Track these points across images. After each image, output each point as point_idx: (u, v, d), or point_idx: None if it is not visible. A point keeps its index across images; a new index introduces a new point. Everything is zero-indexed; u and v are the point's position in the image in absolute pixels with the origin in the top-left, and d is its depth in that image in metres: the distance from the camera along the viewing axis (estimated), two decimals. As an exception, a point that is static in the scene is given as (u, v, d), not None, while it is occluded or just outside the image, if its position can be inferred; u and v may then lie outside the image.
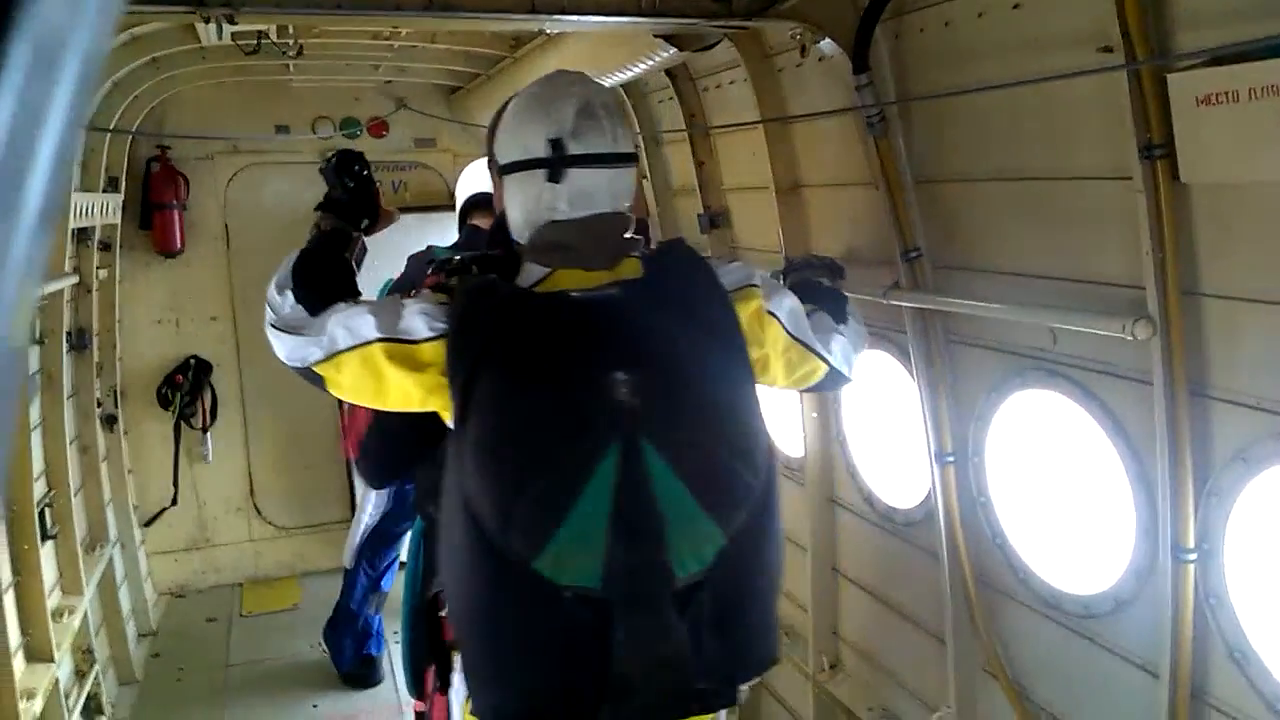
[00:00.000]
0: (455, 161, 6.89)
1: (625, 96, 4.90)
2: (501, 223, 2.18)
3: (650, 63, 3.85)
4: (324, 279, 2.29)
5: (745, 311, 2.06)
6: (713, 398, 1.92)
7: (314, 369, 2.07)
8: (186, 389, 6.63)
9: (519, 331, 1.88)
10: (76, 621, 4.52)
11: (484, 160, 4.11)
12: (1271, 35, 1.77)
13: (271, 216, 6.43)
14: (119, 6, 0.42)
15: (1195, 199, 2.12)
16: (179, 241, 6.47)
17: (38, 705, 3.81)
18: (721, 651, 1.86)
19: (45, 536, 4.35)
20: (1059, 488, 2.92)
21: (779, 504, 1.96)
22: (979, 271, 2.89)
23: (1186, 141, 2.03)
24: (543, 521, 1.76)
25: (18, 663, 3.81)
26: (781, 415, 4.19)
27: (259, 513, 7.01)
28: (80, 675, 4.72)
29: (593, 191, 2.02)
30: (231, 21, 2.78)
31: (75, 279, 5.00)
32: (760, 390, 2.05)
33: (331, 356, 2.02)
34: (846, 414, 3.83)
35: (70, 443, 4.90)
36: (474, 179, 4.00)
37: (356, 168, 2.53)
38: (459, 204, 4.04)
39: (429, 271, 2.13)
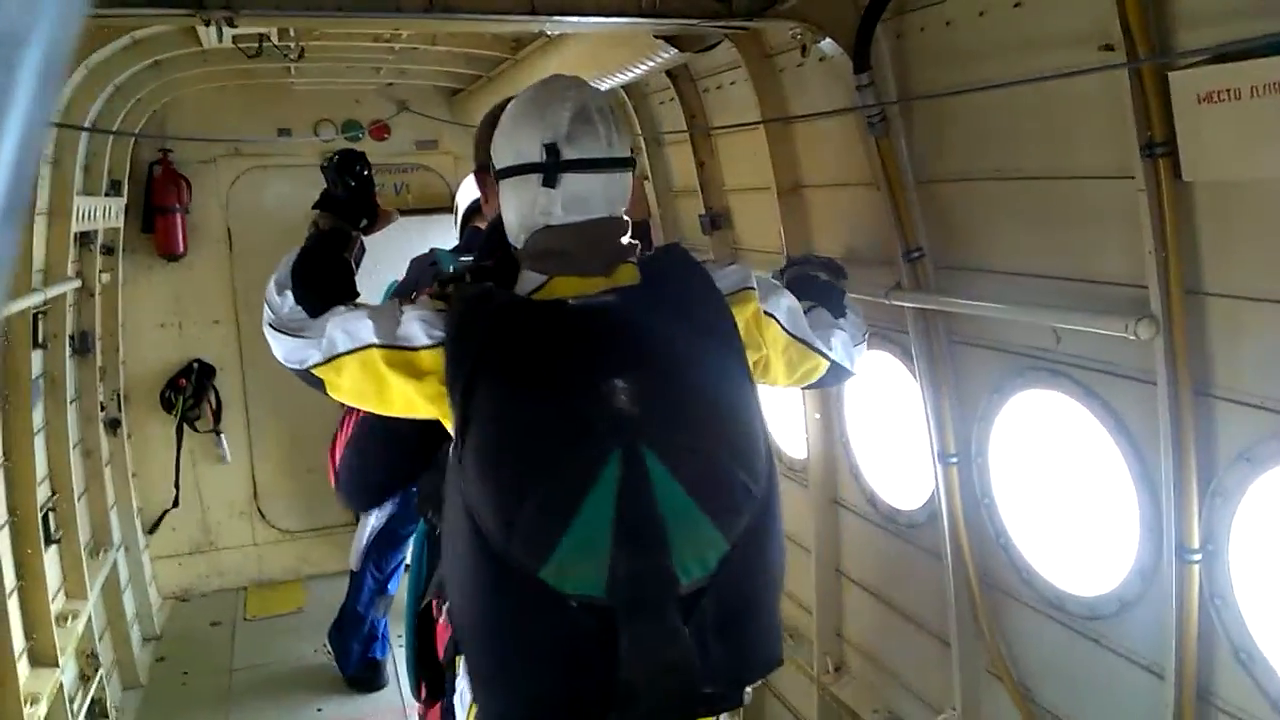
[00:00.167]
0: (457, 164, 6.90)
1: (626, 97, 4.90)
2: (495, 228, 2.18)
3: (651, 64, 3.84)
4: (324, 279, 2.29)
5: (743, 315, 2.06)
6: (713, 403, 1.92)
7: (313, 371, 2.07)
8: (189, 392, 6.64)
9: (517, 340, 1.88)
10: (80, 626, 4.52)
11: None
12: (1273, 32, 1.76)
13: (274, 219, 6.43)
14: (82, 6, 0.41)
15: (1198, 197, 2.11)
16: (181, 245, 6.48)
17: (42, 710, 3.81)
18: (726, 655, 1.86)
19: (49, 541, 4.35)
20: (1062, 488, 2.91)
21: (780, 507, 1.97)
22: (981, 271, 2.88)
23: (1188, 140, 2.02)
24: (546, 531, 1.76)
25: (22, 667, 3.81)
26: (784, 417, 4.18)
27: (263, 516, 7.02)
28: (84, 680, 4.72)
29: (587, 196, 2.01)
30: (232, 24, 2.78)
31: (78, 283, 5.00)
32: (761, 393, 2.05)
33: (331, 359, 2.02)
34: (849, 415, 3.82)
35: (73, 447, 4.90)
36: (473, 186, 4.01)
37: (358, 167, 2.54)
38: (460, 208, 4.04)
39: (429, 286, 2.12)
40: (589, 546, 1.76)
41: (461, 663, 2.22)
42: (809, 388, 2.69)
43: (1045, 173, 2.55)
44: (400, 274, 3.75)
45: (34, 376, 4.31)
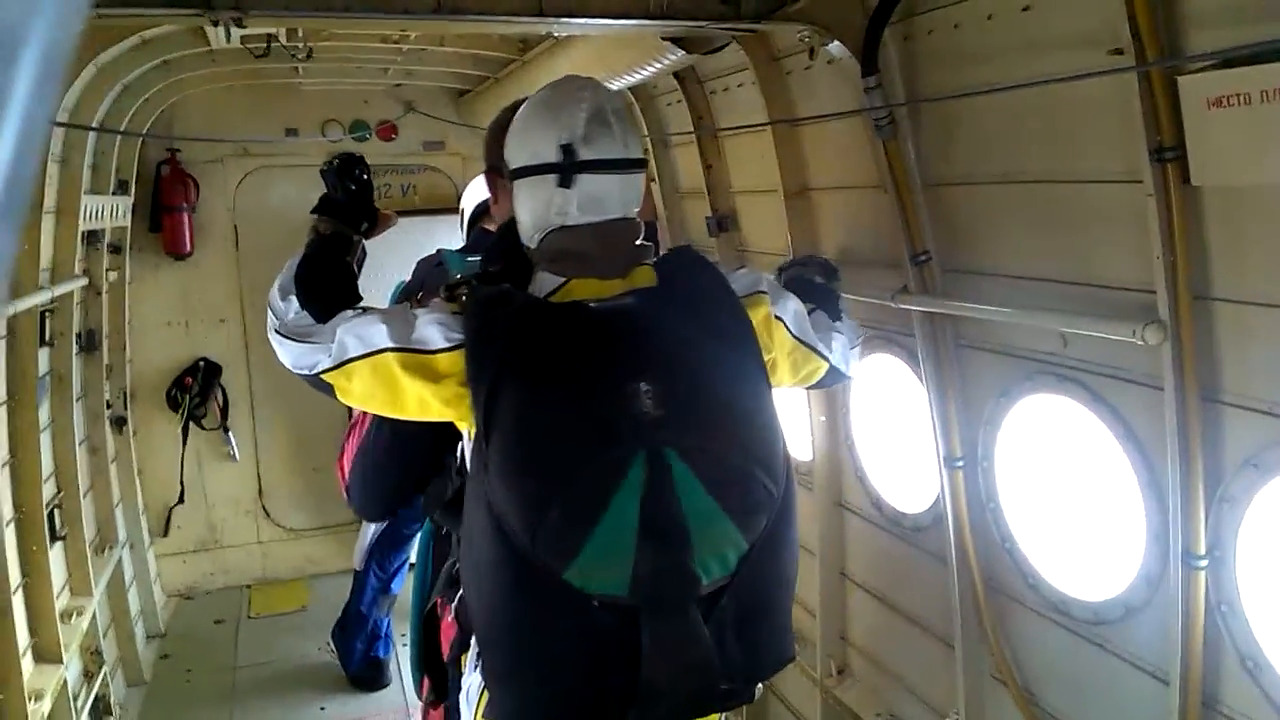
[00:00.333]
0: (464, 165, 6.91)
1: (633, 99, 4.90)
2: (508, 229, 2.18)
3: (658, 65, 3.84)
4: (327, 284, 2.29)
5: (756, 317, 2.08)
6: (733, 405, 1.93)
7: (322, 377, 2.07)
8: (196, 391, 6.66)
9: (540, 343, 1.88)
10: (85, 623, 4.53)
11: None
12: (1284, 37, 1.75)
13: (281, 219, 6.44)
14: (84, 3, 0.41)
15: (1206, 202, 2.10)
16: (188, 244, 6.50)
17: (46, 706, 3.82)
18: (743, 653, 1.89)
19: (54, 538, 4.36)
20: (1068, 493, 2.90)
21: (796, 508, 1.99)
22: (988, 275, 2.87)
23: (1197, 144, 2.01)
24: (572, 533, 1.78)
25: (26, 663, 3.82)
26: (790, 419, 4.17)
27: (268, 515, 7.03)
28: (88, 676, 4.72)
29: (603, 197, 2.02)
30: (240, 25, 2.78)
31: (85, 281, 5.01)
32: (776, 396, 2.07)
33: (341, 365, 2.02)
34: (855, 418, 3.82)
35: (79, 444, 4.91)
36: (482, 188, 4.02)
37: (357, 171, 2.53)
38: (468, 210, 4.05)
39: (435, 287, 2.12)
40: (613, 548, 1.78)
41: (467, 662, 2.22)
42: (806, 388, 2.71)
43: (1053, 176, 2.54)
44: (408, 275, 3.76)
45: (40, 374, 4.32)
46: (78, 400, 4.95)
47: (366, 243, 2.57)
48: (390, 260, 4.23)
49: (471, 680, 2.15)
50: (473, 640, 2.14)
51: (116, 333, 5.85)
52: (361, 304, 2.23)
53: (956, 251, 3.00)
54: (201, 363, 6.72)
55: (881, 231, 3.22)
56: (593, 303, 1.94)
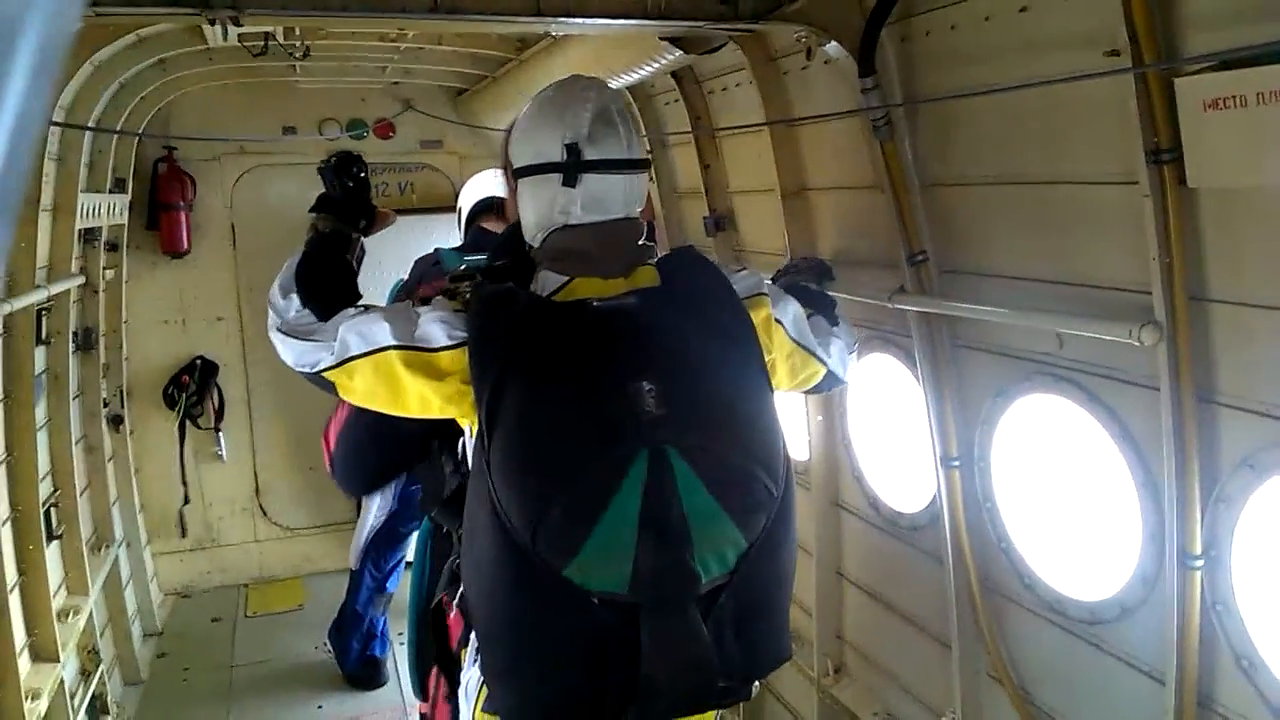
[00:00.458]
0: (462, 163, 6.90)
1: (631, 99, 4.89)
2: (516, 229, 2.18)
3: (656, 65, 3.84)
4: (329, 282, 2.29)
5: (756, 318, 2.09)
6: (735, 405, 1.95)
7: (324, 375, 2.08)
8: (192, 389, 6.65)
9: (544, 341, 1.89)
10: (82, 621, 4.53)
11: (489, 170, 4.12)
12: (1280, 39, 1.75)
13: (278, 217, 6.44)
14: (79, 1, 0.41)
15: (1203, 204, 2.11)
16: (185, 242, 6.49)
17: (43, 705, 3.82)
18: (740, 652, 1.91)
19: (51, 536, 4.36)
20: (1064, 493, 2.91)
21: (794, 508, 2.01)
22: (984, 275, 2.88)
23: (1194, 146, 2.02)
24: (573, 531, 1.79)
25: (23, 662, 3.82)
26: (786, 419, 4.17)
27: (264, 513, 7.03)
28: (85, 675, 4.72)
29: (606, 197, 2.03)
30: (237, 23, 2.78)
31: (81, 279, 5.00)
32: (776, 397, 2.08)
33: (344, 362, 2.03)
34: (852, 418, 3.82)
35: (76, 443, 4.91)
36: (479, 186, 4.02)
37: (354, 169, 2.54)
38: (465, 209, 4.05)
39: (447, 281, 2.12)
40: (614, 545, 1.79)
41: (467, 657, 2.23)
42: (802, 393, 2.72)
43: (1050, 177, 2.55)
44: (405, 274, 3.76)
45: (37, 373, 4.32)
46: (74, 399, 4.94)
47: (364, 241, 2.58)
48: (388, 259, 4.23)
49: (470, 675, 2.16)
50: (472, 636, 2.15)
51: (113, 331, 5.84)
52: (362, 302, 2.24)
53: (953, 252, 3.01)
54: (198, 361, 6.71)
55: (878, 232, 3.23)
56: (595, 302, 1.95)
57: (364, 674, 5.52)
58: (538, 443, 1.84)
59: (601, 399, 1.85)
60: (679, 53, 3.62)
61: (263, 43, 4.72)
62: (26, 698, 3.70)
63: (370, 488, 3.02)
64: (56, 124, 4.18)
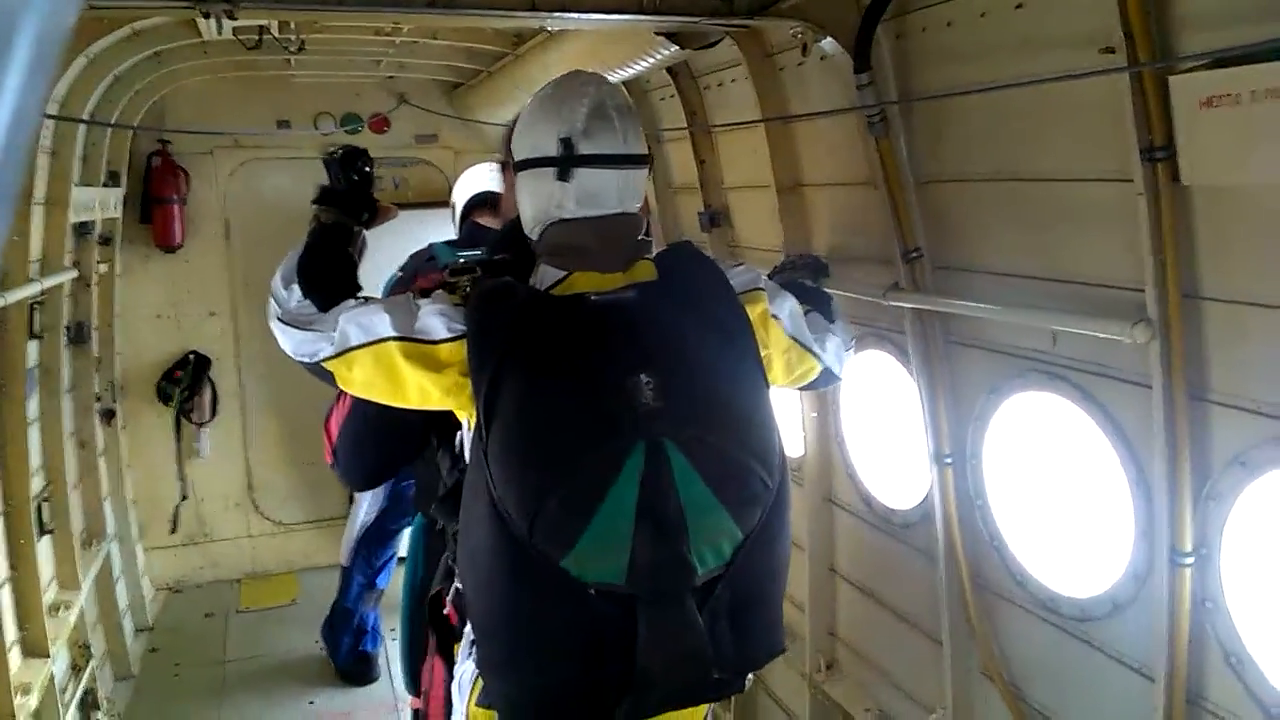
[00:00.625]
0: (456, 158, 6.89)
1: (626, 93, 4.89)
2: (517, 223, 2.19)
3: (651, 60, 3.84)
4: (330, 273, 2.31)
5: (753, 313, 2.10)
6: (731, 399, 1.96)
7: (323, 365, 2.08)
8: (185, 384, 6.63)
9: (542, 334, 1.90)
10: (73, 616, 4.51)
11: (482, 165, 4.12)
12: (1274, 37, 1.76)
13: (272, 211, 6.42)
14: None
15: (1196, 202, 2.11)
16: (179, 236, 6.47)
17: (33, 700, 3.80)
18: (735, 644, 1.92)
19: (42, 531, 4.34)
20: (1057, 490, 2.92)
21: (789, 501, 2.03)
22: (979, 272, 2.88)
23: (1188, 144, 2.02)
24: (570, 522, 1.80)
25: (13, 657, 3.81)
26: (780, 415, 4.18)
27: (257, 508, 7.02)
28: (76, 670, 4.70)
29: (600, 192, 2.03)
30: (232, 17, 2.77)
31: (74, 273, 4.98)
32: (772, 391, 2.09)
33: (343, 353, 2.04)
34: (845, 414, 3.83)
35: (68, 437, 4.89)
36: (473, 181, 4.02)
37: (360, 163, 2.54)
38: (459, 203, 4.05)
39: (444, 274, 2.13)
40: (611, 537, 1.80)
41: (461, 650, 2.23)
42: (798, 389, 2.73)
43: (1044, 175, 2.55)
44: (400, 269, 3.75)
45: (29, 367, 4.30)
46: (67, 393, 4.92)
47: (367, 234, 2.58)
48: (382, 253, 4.21)
49: (464, 669, 2.17)
50: (466, 630, 2.16)
51: (106, 325, 5.82)
52: (363, 294, 2.25)
53: (947, 249, 3.01)
54: (191, 355, 6.69)
55: (873, 228, 3.23)
56: (594, 296, 1.96)
57: (356, 669, 5.53)
58: (535, 435, 1.85)
59: (599, 392, 1.86)
60: (674, 48, 3.61)
61: (257, 36, 4.69)
62: (17, 693, 3.69)
63: (372, 481, 3.02)
64: (50, 117, 4.17)
